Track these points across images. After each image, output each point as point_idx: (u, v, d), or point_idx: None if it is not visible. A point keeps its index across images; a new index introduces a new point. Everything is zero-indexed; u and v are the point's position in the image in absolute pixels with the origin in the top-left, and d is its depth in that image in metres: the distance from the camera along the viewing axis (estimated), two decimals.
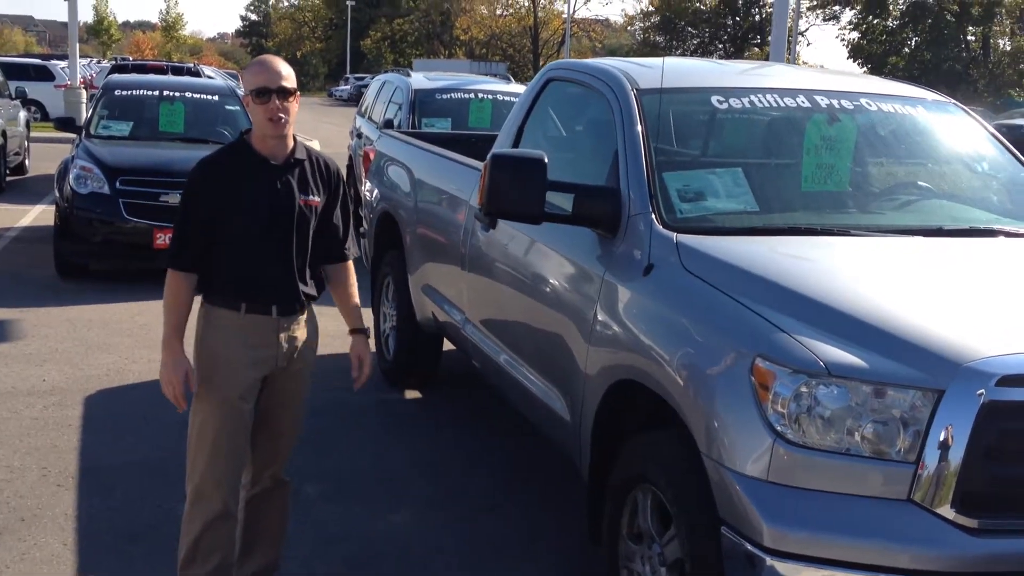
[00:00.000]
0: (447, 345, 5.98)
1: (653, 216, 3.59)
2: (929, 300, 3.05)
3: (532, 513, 4.58)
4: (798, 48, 44.62)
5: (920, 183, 4.28)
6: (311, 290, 3.46)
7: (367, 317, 6.81)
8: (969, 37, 47.76)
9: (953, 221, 3.94)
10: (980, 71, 42.49)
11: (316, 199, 3.40)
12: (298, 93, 3.33)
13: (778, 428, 2.74)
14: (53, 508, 4.38)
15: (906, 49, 50.20)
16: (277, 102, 3.24)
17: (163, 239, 8.32)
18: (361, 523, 4.42)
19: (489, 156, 3.81)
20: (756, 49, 59.05)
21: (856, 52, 51.51)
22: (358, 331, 3.62)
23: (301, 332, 3.46)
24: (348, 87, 61.26)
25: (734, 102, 4.16)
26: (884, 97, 4.37)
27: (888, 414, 2.68)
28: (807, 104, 4.14)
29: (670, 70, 4.18)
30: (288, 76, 3.30)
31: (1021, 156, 4.36)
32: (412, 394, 6.21)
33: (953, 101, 4.60)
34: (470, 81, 11.87)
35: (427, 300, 5.60)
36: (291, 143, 3.36)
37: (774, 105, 4.15)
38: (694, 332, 3.13)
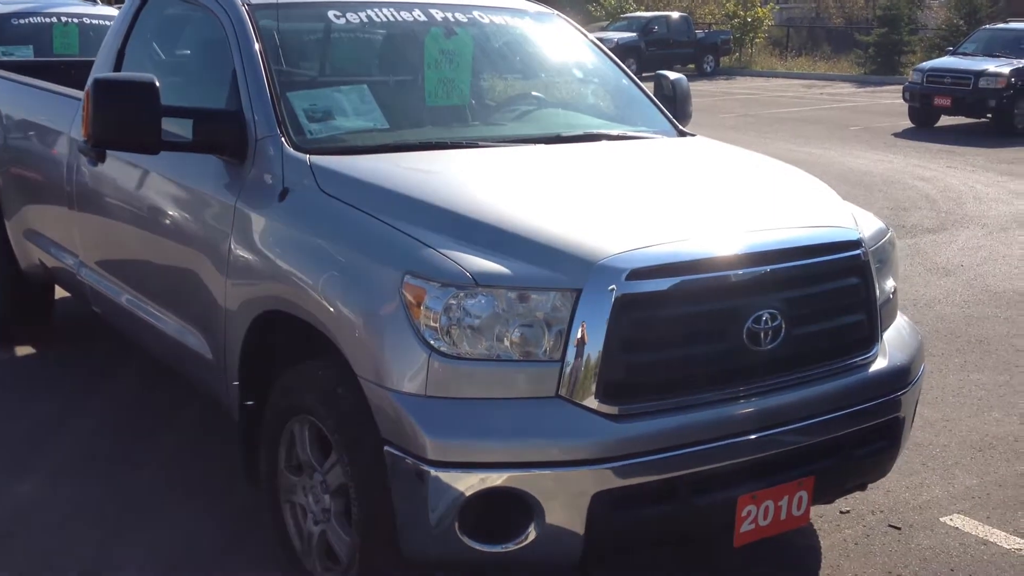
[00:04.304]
0: (60, 293, 5.48)
1: (283, 139, 3.45)
2: (560, 205, 3.18)
3: (180, 461, 4.33)
4: None
5: (534, 93, 4.45)
6: None
7: None
8: None
9: (568, 128, 4.15)
10: None
11: None
12: None
13: (432, 343, 2.76)
14: None
15: None
16: None
17: None
18: None
19: (90, 82, 3.47)
20: None
21: None
22: None
23: None
24: None
25: (351, 17, 4.07)
26: (494, 9, 4.47)
27: (532, 317, 2.78)
28: (423, 18, 4.14)
29: None
30: None
31: (621, 64, 4.67)
32: (24, 350, 5.64)
33: (557, 12, 4.81)
34: (51, 3, 10.74)
35: (31, 246, 5.08)
36: None
37: (392, 19, 4.10)
38: (339, 255, 3.07)
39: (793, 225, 3.25)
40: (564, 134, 3.99)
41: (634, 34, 30.73)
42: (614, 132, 4.12)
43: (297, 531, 3.34)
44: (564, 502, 2.75)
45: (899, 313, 3.62)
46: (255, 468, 3.49)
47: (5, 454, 4.38)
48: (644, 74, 22.40)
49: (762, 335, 2.93)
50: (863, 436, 3.21)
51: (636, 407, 2.81)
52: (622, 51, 27.08)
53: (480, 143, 3.71)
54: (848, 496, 3.75)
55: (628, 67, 4.73)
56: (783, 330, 2.97)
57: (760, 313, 2.92)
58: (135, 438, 4.57)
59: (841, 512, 3.98)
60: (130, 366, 5.31)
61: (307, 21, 4.13)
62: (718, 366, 2.92)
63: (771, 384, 2.99)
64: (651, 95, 4.53)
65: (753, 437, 2.93)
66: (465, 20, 4.23)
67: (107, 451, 4.43)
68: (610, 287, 2.76)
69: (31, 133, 5.04)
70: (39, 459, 4.36)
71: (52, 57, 9.05)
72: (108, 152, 3.94)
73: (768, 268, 2.99)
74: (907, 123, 17.82)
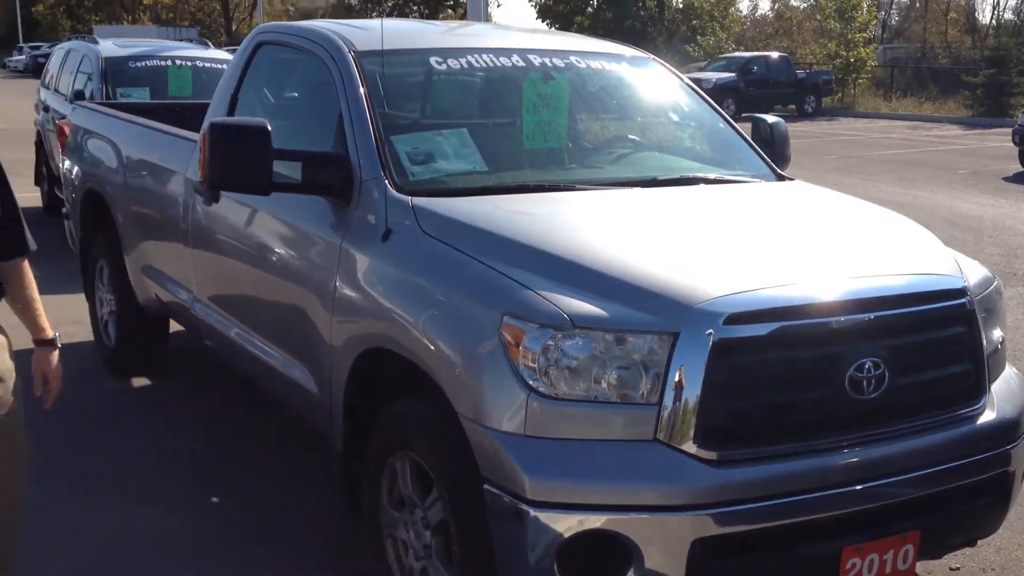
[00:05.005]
0: (174, 326, 5.69)
1: (386, 181, 3.55)
2: (657, 248, 3.20)
3: (287, 492, 4.45)
4: (490, 10, 45.48)
5: (631, 136, 4.49)
6: None
7: (80, 304, 6.45)
8: None
9: (665, 171, 4.17)
10: (658, 28, 45.04)
11: None
12: None
13: (530, 383, 2.79)
14: None
15: (590, 8, 52.39)
16: None
17: None
18: (104, 523, 4.13)
19: (207, 126, 3.63)
20: (450, 11, 59.60)
21: (544, 12, 53.15)
22: (44, 343, 3.04)
23: None
24: (23, 57, 56.45)
25: (452, 63, 4.18)
26: (590, 54, 4.55)
27: (630, 359, 2.79)
28: (522, 63, 4.23)
29: (387, 31, 4.14)
30: None
31: (717, 107, 4.68)
32: (140, 381, 5.87)
33: (652, 56, 4.86)
34: (166, 47, 11.22)
35: (148, 281, 5.29)
36: None
37: (491, 65, 4.20)
38: (440, 295, 3.13)
39: (895, 272, 3.20)
40: (661, 177, 4.01)
41: (733, 74, 30.60)
42: (711, 175, 4.12)
43: (399, 566, 3.38)
44: (663, 547, 2.74)
45: (1007, 364, 3.53)
46: (358, 501, 3.56)
47: (115, 481, 4.56)
48: (743, 115, 22.25)
49: (865, 384, 2.89)
50: (971, 490, 3.13)
51: (736, 453, 2.79)
52: (720, 91, 26.98)
53: (577, 186, 3.76)
54: (957, 552, 3.64)
55: (726, 107, 4.78)
56: (886, 379, 2.92)
57: (863, 361, 2.89)
58: (240, 468, 4.71)
59: (951, 569, 3.86)
60: (240, 399, 5.48)
61: (410, 67, 4.25)
62: (820, 414, 2.89)
63: (875, 434, 2.95)
64: (748, 138, 4.53)
65: (857, 488, 2.88)
66: (562, 65, 4.30)
67: (213, 480, 4.58)
68: (707, 331, 2.76)
69: (149, 173, 5.27)
70: (147, 487, 4.52)
71: (167, 99, 9.45)
72: (223, 192, 4.11)
73: (870, 315, 2.96)
74: (1017, 167, 17.30)
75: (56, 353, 3.08)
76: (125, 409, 5.48)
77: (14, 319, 3.07)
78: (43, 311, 3.04)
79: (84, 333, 6.43)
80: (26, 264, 2.96)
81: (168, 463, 4.77)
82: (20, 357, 2.98)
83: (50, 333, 3.06)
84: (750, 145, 4.48)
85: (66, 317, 6.80)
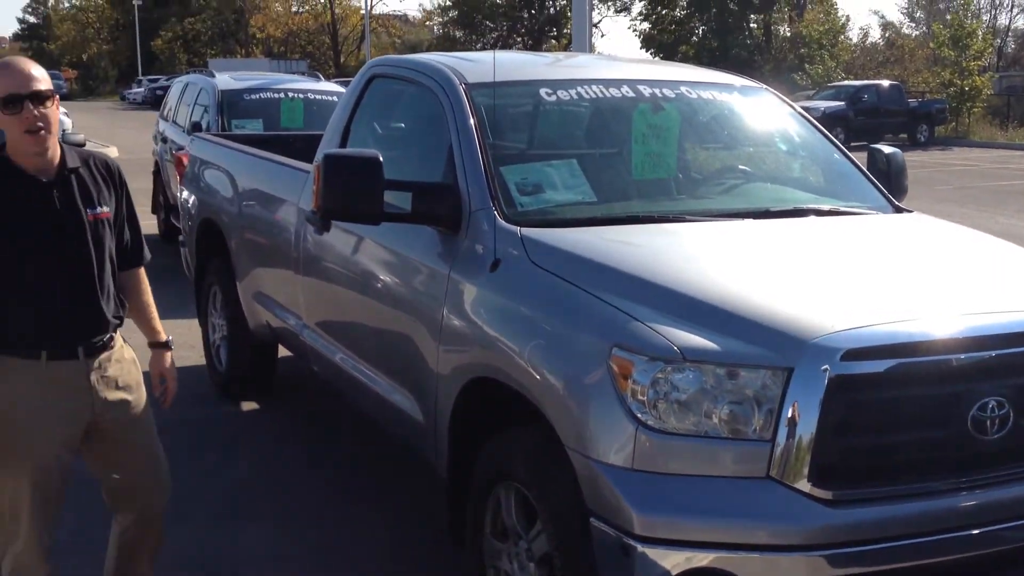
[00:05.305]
0: (282, 352, 5.82)
1: (495, 211, 3.57)
2: (771, 280, 3.14)
3: (390, 518, 4.49)
4: (593, 40, 45.73)
5: (741, 167, 4.43)
6: (121, 314, 3.10)
7: (194, 329, 6.66)
8: (752, 25, 50.14)
9: (778, 203, 4.09)
10: (765, 57, 44.59)
11: (107, 210, 3.01)
12: (57, 96, 2.87)
13: (639, 416, 2.76)
14: None
15: (694, 38, 52.23)
16: (33, 110, 2.80)
17: None
18: (213, 543, 4.24)
19: (322, 157, 3.71)
20: (553, 41, 60.04)
21: (648, 42, 53.17)
22: (159, 345, 3.32)
23: (116, 368, 3.08)
24: (142, 90, 58.86)
25: (562, 94, 4.19)
26: (701, 84, 4.51)
27: (742, 394, 2.73)
28: (632, 94, 4.21)
29: (498, 64, 4.18)
30: (41, 77, 2.84)
31: (832, 137, 4.59)
32: (250, 405, 6.01)
33: (764, 86, 4.79)
34: (279, 80, 11.55)
35: (259, 307, 5.42)
36: (58, 152, 2.92)
37: (600, 96, 4.20)
38: (549, 326, 3.12)
39: (1019, 308, 3.08)
40: (773, 208, 3.95)
41: (842, 103, 30.01)
42: (825, 207, 4.03)
43: None
44: None
45: None
46: (461, 530, 3.56)
47: (236, 500, 4.68)
48: (852, 144, 21.82)
49: (989, 424, 2.78)
50: None
51: (852, 493, 2.71)
52: (829, 120, 26.45)
53: (687, 217, 3.72)
54: None
55: (835, 137, 4.66)
56: (1011, 419, 2.81)
57: (986, 400, 2.78)
58: (342, 493, 4.77)
59: None
60: (346, 423, 5.55)
61: (520, 98, 4.28)
62: (940, 454, 2.79)
63: (998, 476, 2.83)
64: (864, 169, 4.43)
65: (977, 532, 2.77)
66: (673, 96, 4.28)
67: (326, 502, 4.65)
68: (823, 367, 2.69)
69: (263, 203, 5.41)
70: (265, 505, 4.62)
71: (279, 130, 9.70)
72: (334, 221, 4.18)
73: (992, 353, 2.85)
74: None
75: (170, 354, 3.36)
76: (235, 431, 5.61)
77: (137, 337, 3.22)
78: (157, 316, 3.34)
79: (197, 357, 6.62)
80: (143, 272, 3.29)
81: (273, 485, 4.86)
82: None
83: (164, 336, 3.35)
84: (866, 176, 4.38)
85: (180, 341, 6.93)
